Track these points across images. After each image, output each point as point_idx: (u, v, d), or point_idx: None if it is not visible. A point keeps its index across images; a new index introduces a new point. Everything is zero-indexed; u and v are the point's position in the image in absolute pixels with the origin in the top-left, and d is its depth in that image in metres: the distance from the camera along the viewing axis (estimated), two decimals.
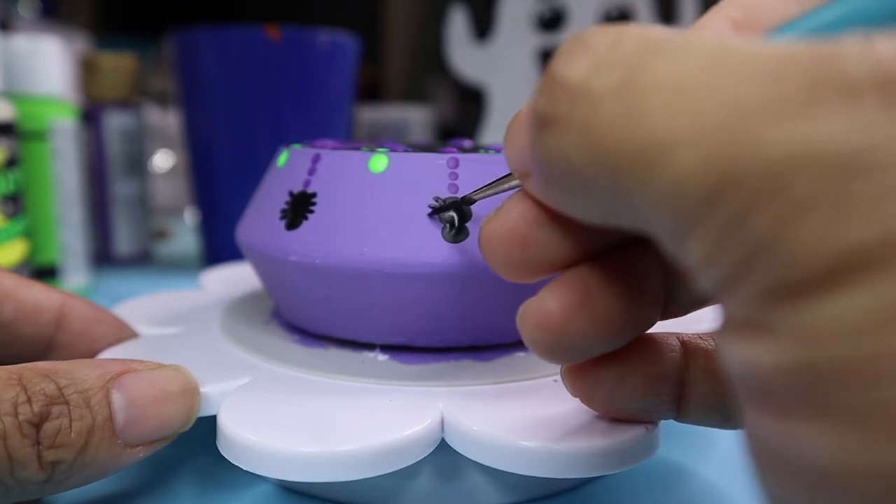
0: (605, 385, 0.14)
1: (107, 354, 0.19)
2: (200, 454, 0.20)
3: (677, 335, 0.15)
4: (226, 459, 0.15)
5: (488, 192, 0.17)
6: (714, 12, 0.12)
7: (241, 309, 0.23)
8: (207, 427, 0.22)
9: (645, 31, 0.10)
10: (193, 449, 0.20)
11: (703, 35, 0.10)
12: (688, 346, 0.15)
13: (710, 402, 0.14)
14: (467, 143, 0.24)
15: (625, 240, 0.13)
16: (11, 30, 0.71)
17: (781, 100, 0.08)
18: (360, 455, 0.14)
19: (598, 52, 0.10)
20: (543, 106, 0.11)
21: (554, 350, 0.13)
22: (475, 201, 0.17)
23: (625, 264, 0.13)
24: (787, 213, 0.07)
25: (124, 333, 0.20)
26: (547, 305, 0.13)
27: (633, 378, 0.14)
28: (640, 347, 0.14)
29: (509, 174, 0.16)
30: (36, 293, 0.19)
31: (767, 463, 0.08)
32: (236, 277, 0.28)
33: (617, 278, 0.13)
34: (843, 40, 0.08)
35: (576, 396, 0.15)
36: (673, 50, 0.09)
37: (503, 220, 0.13)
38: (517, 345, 0.20)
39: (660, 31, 0.10)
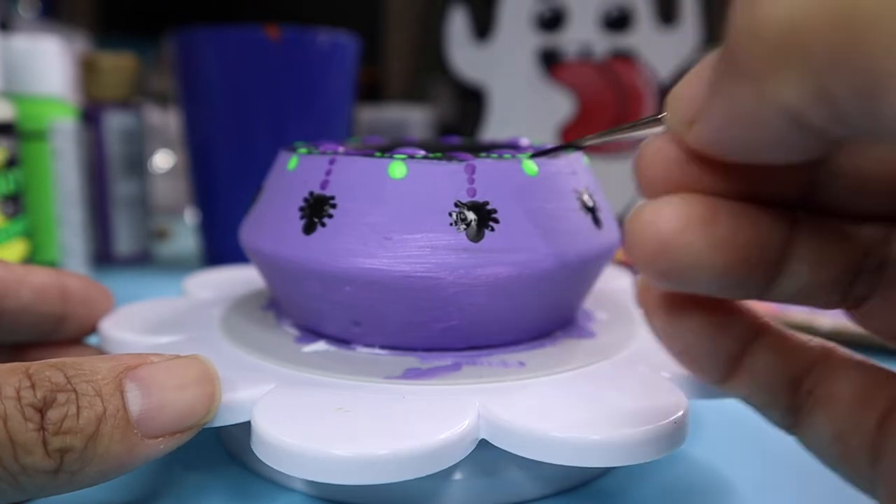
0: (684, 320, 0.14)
1: (110, 320, 0.21)
2: (224, 467, 0.19)
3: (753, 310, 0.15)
4: (248, 472, 0.14)
5: (604, 139, 0.16)
6: None
7: (244, 314, 0.23)
8: (225, 439, 0.21)
9: None
10: (218, 462, 0.20)
11: None
12: (757, 322, 0.14)
13: (763, 377, 0.14)
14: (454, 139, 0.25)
15: (762, 197, 0.13)
16: (11, 30, 0.71)
17: None
18: (406, 456, 0.14)
19: None
20: None
21: (658, 264, 0.12)
22: (586, 147, 0.17)
23: (754, 214, 0.12)
24: None
25: (107, 296, 0.22)
26: (665, 210, 0.12)
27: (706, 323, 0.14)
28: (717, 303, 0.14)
29: (629, 124, 0.15)
30: (40, 276, 0.21)
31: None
32: (219, 281, 0.28)
33: (746, 218, 0.12)
34: None
35: (647, 314, 0.14)
36: None
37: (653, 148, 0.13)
38: (543, 338, 0.20)
39: None
